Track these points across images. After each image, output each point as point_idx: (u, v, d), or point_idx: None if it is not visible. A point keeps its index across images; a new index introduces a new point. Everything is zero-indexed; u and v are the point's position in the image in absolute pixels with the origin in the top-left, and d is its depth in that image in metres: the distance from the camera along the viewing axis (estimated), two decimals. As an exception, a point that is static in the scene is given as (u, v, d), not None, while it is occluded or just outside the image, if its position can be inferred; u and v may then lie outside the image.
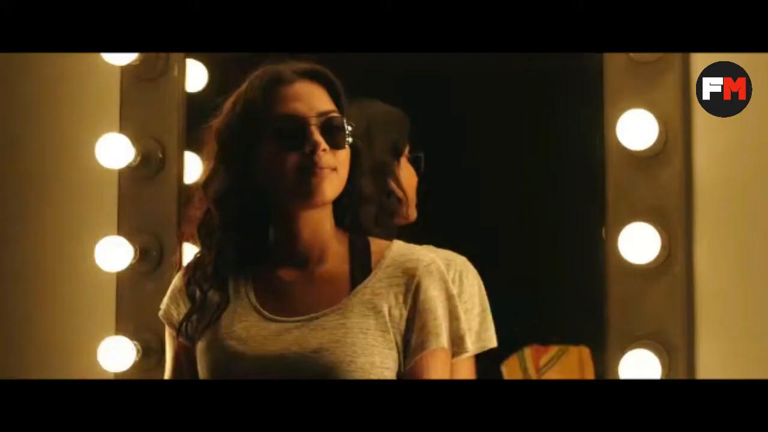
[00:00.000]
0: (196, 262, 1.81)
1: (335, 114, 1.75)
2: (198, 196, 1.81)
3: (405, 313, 1.72)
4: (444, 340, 1.71)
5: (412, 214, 2.15)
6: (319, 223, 1.77)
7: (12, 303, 2.83)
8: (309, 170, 1.71)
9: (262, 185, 1.75)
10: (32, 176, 2.84)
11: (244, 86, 1.78)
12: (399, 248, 1.78)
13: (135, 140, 2.68)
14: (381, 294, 1.72)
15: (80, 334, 2.73)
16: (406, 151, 2.16)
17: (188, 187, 1.80)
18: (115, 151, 2.67)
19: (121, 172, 2.71)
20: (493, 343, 2.04)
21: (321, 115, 1.73)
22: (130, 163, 2.69)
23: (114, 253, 2.66)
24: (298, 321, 1.72)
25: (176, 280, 1.84)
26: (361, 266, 1.76)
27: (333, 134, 1.73)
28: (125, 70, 2.73)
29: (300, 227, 1.76)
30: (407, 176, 2.16)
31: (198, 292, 1.78)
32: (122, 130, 2.70)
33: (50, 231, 2.81)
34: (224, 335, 1.74)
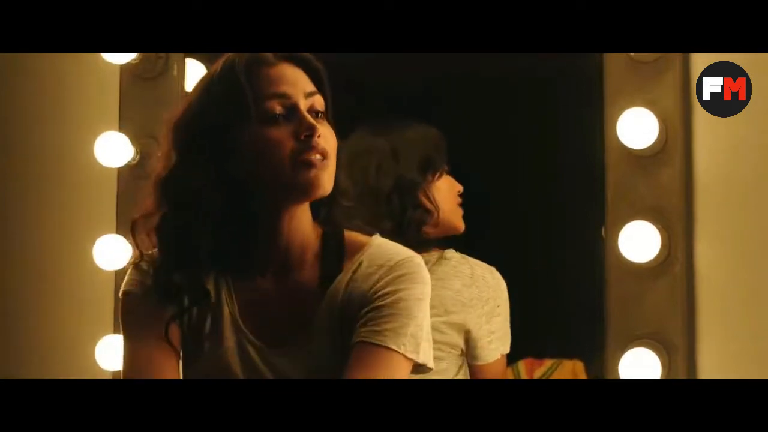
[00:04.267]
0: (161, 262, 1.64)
1: (318, 95, 1.63)
2: (149, 197, 1.63)
3: (366, 306, 1.59)
4: (399, 341, 1.57)
5: (458, 224, 2.33)
6: (300, 219, 1.64)
7: (10, 302, 2.83)
8: (305, 161, 1.58)
9: (243, 176, 1.60)
10: (31, 175, 2.84)
11: (215, 70, 1.64)
12: (379, 243, 1.66)
13: (134, 139, 2.68)
14: (350, 298, 1.60)
15: (78, 332, 2.73)
16: (445, 167, 2.29)
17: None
18: (114, 149, 2.67)
19: (120, 171, 2.70)
20: (507, 349, 2.28)
21: (307, 96, 1.62)
22: (129, 162, 2.68)
23: (112, 252, 2.65)
24: (279, 349, 1.61)
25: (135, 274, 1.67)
26: (332, 266, 1.63)
27: (319, 120, 1.62)
28: (124, 69, 2.72)
29: (282, 225, 1.62)
30: (446, 190, 2.29)
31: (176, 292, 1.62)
32: (121, 128, 2.70)
33: (49, 229, 2.81)
34: (210, 351, 1.63)
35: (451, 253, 2.27)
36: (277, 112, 1.59)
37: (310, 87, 1.63)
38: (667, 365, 2.31)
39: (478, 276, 2.25)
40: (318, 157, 1.59)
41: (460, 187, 2.33)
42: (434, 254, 2.26)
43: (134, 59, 2.69)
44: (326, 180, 1.60)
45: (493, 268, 2.27)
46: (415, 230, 2.25)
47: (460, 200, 2.34)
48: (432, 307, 2.15)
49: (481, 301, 2.23)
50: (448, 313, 2.20)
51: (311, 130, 1.59)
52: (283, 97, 1.60)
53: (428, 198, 2.26)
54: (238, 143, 1.59)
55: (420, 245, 2.19)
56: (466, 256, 2.27)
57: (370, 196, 2.24)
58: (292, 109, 1.60)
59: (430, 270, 2.17)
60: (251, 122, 1.58)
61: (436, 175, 2.29)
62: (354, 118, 1.68)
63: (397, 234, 2.15)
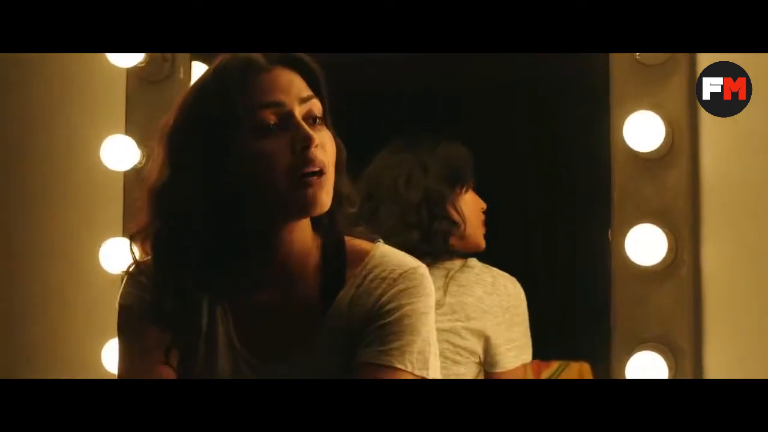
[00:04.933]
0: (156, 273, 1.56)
1: (315, 99, 1.55)
2: (143, 209, 1.58)
3: (371, 324, 1.53)
4: (406, 359, 1.52)
5: (480, 242, 2.38)
6: (300, 231, 1.57)
7: (16, 304, 2.83)
8: (303, 176, 1.50)
9: (238, 191, 1.52)
10: (37, 178, 2.84)
11: (207, 75, 1.56)
12: (382, 252, 1.59)
13: (140, 142, 2.67)
14: (354, 314, 1.54)
15: (84, 335, 2.73)
16: (472, 182, 2.35)
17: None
18: (120, 153, 2.67)
19: (127, 174, 2.70)
20: (528, 357, 2.31)
21: (303, 101, 1.53)
22: (136, 165, 2.68)
23: (119, 255, 2.65)
24: (277, 364, 1.56)
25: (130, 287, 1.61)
26: (334, 277, 1.57)
27: (316, 127, 1.54)
28: (131, 72, 2.72)
29: (280, 238, 1.55)
30: (470, 204, 2.35)
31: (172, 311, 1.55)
32: (128, 132, 2.70)
33: (55, 232, 2.81)
34: (204, 370, 1.57)
35: (474, 261, 2.32)
36: (272, 123, 1.51)
37: (306, 91, 1.55)
38: (673, 368, 2.30)
39: (499, 285, 2.29)
40: (316, 170, 1.51)
41: (484, 205, 2.39)
42: (457, 262, 2.31)
43: (140, 62, 2.69)
44: (324, 197, 1.53)
45: (514, 279, 2.31)
46: (442, 241, 2.30)
47: (483, 217, 2.39)
48: (453, 312, 2.21)
49: (501, 309, 2.27)
50: (469, 319, 2.23)
51: (307, 141, 1.51)
52: (277, 105, 1.52)
53: (456, 210, 2.32)
54: (231, 157, 1.51)
55: (445, 253, 2.24)
56: (489, 266, 2.32)
57: (399, 207, 2.29)
58: (287, 118, 1.52)
59: (453, 277, 2.24)
60: (244, 135, 1.50)
61: (464, 189, 2.35)
62: (354, 121, 1.63)
63: (424, 244, 2.21)
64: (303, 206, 1.52)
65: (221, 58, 1.57)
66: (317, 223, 1.60)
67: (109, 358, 2.63)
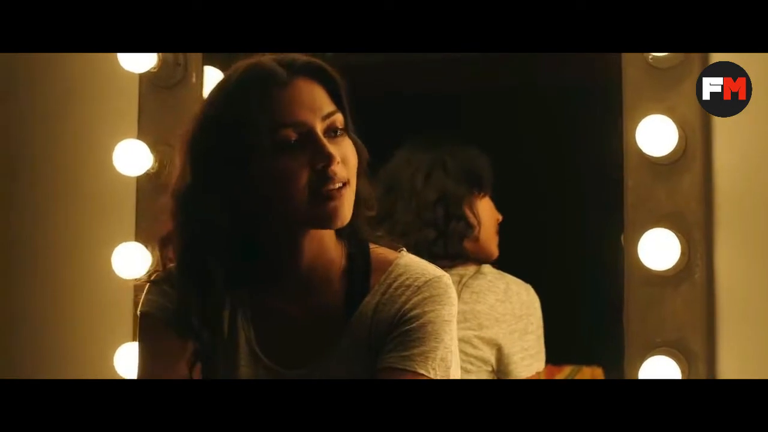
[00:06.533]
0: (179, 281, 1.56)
1: (337, 113, 1.53)
2: (167, 212, 1.56)
3: (394, 331, 1.53)
4: (428, 366, 1.51)
5: (494, 250, 2.37)
6: (322, 239, 1.56)
7: (28, 308, 2.84)
8: (324, 193, 1.50)
9: (257, 205, 1.52)
10: (50, 182, 2.84)
11: (226, 85, 1.54)
12: (406, 262, 1.58)
13: (153, 147, 2.68)
14: (378, 321, 1.54)
15: (97, 340, 2.73)
16: (489, 190, 2.36)
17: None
18: (133, 158, 2.67)
19: (139, 179, 2.70)
20: (542, 366, 2.31)
21: (325, 118, 1.51)
22: (148, 170, 2.68)
23: (131, 260, 2.65)
24: (297, 370, 1.55)
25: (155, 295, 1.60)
26: (358, 285, 1.57)
27: (338, 138, 1.52)
28: (143, 77, 2.72)
29: (303, 248, 1.55)
30: (487, 211, 2.35)
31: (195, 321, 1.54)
32: (140, 137, 2.70)
33: (67, 237, 2.81)
34: (224, 377, 1.56)
35: (487, 268, 2.31)
36: (292, 139, 1.50)
37: (328, 107, 1.53)
38: (686, 373, 2.29)
39: (512, 292, 2.28)
40: (337, 186, 1.50)
41: (500, 217, 2.39)
42: (471, 268, 2.30)
43: (153, 67, 2.69)
44: (346, 211, 1.52)
45: (528, 286, 2.31)
46: (457, 242, 2.30)
47: (497, 227, 2.39)
48: (466, 320, 2.20)
49: (513, 317, 2.26)
50: (482, 328, 2.22)
51: (328, 160, 1.49)
52: (299, 123, 1.50)
53: (472, 212, 2.32)
54: (250, 171, 1.50)
55: (459, 257, 2.24)
56: (503, 272, 2.31)
57: (416, 203, 2.29)
58: (308, 135, 1.50)
59: (466, 283, 2.23)
60: (264, 150, 1.49)
61: (481, 194, 2.35)
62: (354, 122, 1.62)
63: (440, 243, 2.20)
64: (324, 220, 1.52)
65: (238, 65, 1.55)
66: (340, 229, 1.59)
67: (122, 363, 2.63)
